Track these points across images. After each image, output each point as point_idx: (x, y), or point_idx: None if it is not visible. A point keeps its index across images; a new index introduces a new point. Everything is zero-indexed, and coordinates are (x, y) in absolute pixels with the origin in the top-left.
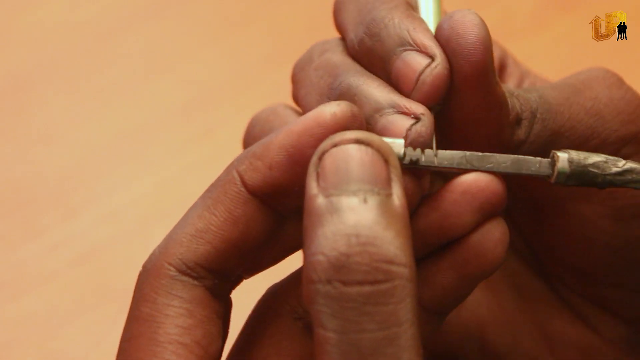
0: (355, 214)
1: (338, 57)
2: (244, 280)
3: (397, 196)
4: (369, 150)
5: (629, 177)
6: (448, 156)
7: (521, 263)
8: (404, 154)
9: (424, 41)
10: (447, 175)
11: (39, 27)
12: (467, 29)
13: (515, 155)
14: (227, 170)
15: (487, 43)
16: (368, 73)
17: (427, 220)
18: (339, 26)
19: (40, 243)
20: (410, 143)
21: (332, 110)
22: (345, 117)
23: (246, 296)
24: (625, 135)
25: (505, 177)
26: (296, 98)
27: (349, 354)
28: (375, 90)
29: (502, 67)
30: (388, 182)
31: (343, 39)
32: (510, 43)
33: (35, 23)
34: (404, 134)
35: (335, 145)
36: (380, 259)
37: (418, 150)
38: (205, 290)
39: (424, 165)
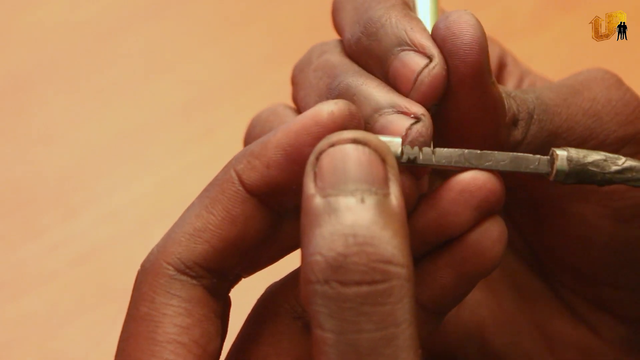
0: (352, 213)
1: (336, 57)
2: (244, 279)
3: (395, 196)
4: (366, 150)
5: (629, 175)
6: (446, 154)
7: (521, 263)
8: (402, 152)
9: (422, 41)
10: (446, 174)
11: (39, 27)
12: (463, 29)
13: (514, 153)
14: (225, 170)
15: (482, 44)
16: (367, 73)
17: (425, 218)
18: (337, 26)
19: (40, 243)
20: (410, 142)
21: (329, 108)
22: (342, 115)
23: (246, 295)
24: (624, 137)
25: (505, 176)
26: (296, 100)
27: (347, 354)
28: (375, 90)
29: (502, 66)
30: (385, 181)
31: (341, 39)
32: (510, 43)
33: (35, 23)
34: (404, 133)
35: (332, 144)
36: (377, 259)
37: (416, 148)
38: (203, 289)
39: (422, 164)
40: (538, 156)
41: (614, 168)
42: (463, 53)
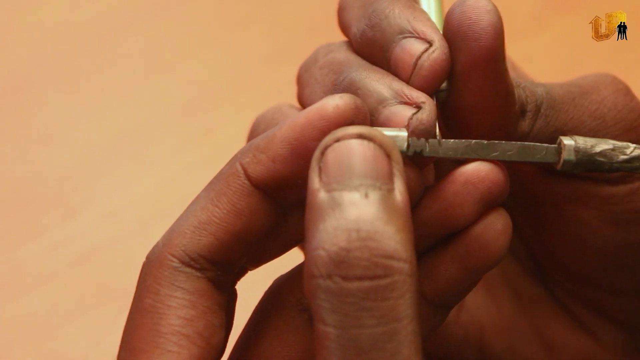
0: (356, 208)
1: (343, 54)
2: (251, 272)
3: (399, 191)
4: (371, 145)
5: (637, 164)
6: (452, 145)
7: (520, 268)
8: (408, 145)
9: (423, 28)
10: (454, 164)
11: (39, 27)
12: (480, 14)
13: (521, 143)
14: (231, 163)
15: (499, 29)
16: (371, 66)
17: (429, 211)
18: (343, 25)
19: (40, 243)
20: (412, 132)
21: (335, 102)
22: (348, 109)
23: (253, 288)
24: None
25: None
26: (301, 98)
27: (349, 349)
28: (378, 83)
29: None
30: (390, 177)
31: (348, 39)
32: (510, 43)
33: (35, 23)
34: (406, 123)
35: (337, 140)
36: (380, 254)
37: (422, 140)
38: (208, 281)
39: (428, 156)
40: (545, 145)
41: (622, 157)
42: (479, 37)
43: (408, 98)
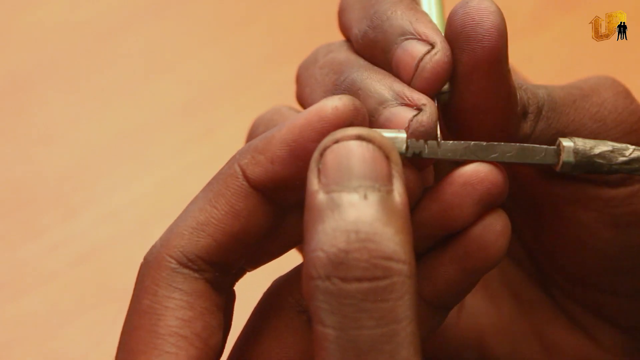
0: (355, 210)
1: (343, 54)
2: (250, 274)
3: (398, 192)
4: (370, 146)
5: (636, 165)
6: (451, 147)
7: (520, 271)
8: (407, 146)
9: (425, 30)
10: (453, 165)
11: (39, 27)
12: (483, 16)
13: (520, 144)
14: (229, 164)
15: (502, 31)
16: (372, 67)
17: (428, 212)
18: (344, 26)
19: (40, 243)
20: (412, 133)
21: (333, 104)
22: (347, 110)
23: (252, 289)
24: None
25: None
26: (300, 97)
27: (347, 350)
28: (379, 83)
29: None
30: (389, 178)
31: (348, 40)
32: (510, 43)
33: (35, 23)
34: (406, 125)
35: (336, 141)
36: (379, 255)
37: (421, 141)
38: (205, 282)
39: (427, 157)
40: (545, 147)
41: (621, 159)
42: (482, 38)
43: (409, 100)
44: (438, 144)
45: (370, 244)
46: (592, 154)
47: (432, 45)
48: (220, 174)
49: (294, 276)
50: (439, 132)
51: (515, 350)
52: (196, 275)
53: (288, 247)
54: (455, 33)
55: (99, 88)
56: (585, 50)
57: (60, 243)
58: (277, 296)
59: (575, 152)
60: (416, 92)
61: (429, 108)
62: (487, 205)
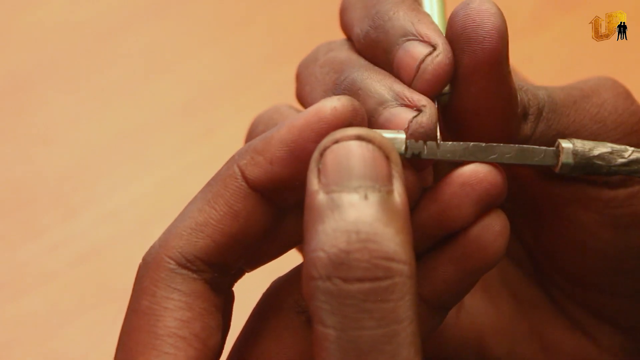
0: (355, 210)
1: (344, 53)
2: (249, 274)
3: (398, 193)
4: (370, 146)
5: (635, 167)
6: (450, 148)
7: (519, 271)
8: (406, 147)
9: (427, 31)
10: (453, 165)
11: (39, 27)
12: (484, 17)
13: (519, 145)
14: (228, 165)
15: (503, 32)
16: (373, 67)
17: (427, 212)
18: (345, 25)
19: (40, 243)
20: (412, 134)
21: (332, 104)
22: (346, 111)
23: (251, 290)
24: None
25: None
26: (300, 96)
27: (348, 351)
28: (379, 84)
29: None
30: (389, 178)
31: (349, 39)
32: (510, 43)
33: (35, 23)
34: (406, 126)
35: (336, 141)
36: (380, 255)
37: (420, 142)
38: (204, 283)
39: (427, 158)
40: (544, 148)
41: (620, 161)
42: (482, 39)
43: (409, 100)
44: (437, 144)
45: (371, 244)
46: (591, 155)
47: (434, 47)
48: (219, 175)
49: (294, 277)
50: (438, 133)
51: (515, 351)
52: (195, 276)
53: (287, 247)
54: (456, 35)
55: (99, 88)
56: (585, 50)
57: (60, 243)
58: (276, 297)
59: (574, 153)
60: (416, 93)
61: (429, 109)
62: (486, 206)
